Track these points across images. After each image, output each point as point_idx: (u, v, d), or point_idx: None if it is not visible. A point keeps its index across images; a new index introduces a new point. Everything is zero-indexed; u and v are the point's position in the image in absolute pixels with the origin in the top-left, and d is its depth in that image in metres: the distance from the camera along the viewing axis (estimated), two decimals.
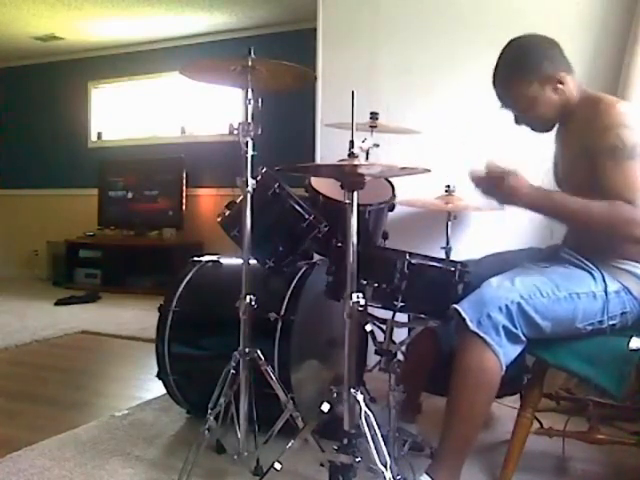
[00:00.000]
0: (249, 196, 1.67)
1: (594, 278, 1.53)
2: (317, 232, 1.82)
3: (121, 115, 6.12)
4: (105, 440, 1.97)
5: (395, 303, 1.52)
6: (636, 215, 1.42)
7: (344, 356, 1.43)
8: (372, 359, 2.06)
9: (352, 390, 1.41)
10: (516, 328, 1.47)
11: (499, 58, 1.67)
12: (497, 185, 1.52)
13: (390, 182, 2.26)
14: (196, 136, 5.64)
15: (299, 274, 1.94)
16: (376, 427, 1.39)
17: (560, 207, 1.50)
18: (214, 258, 2.18)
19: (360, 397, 1.41)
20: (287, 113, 4.44)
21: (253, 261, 1.77)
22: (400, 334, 1.69)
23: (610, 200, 1.44)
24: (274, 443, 1.66)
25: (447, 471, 1.51)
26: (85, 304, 4.67)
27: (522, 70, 1.62)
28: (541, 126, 1.71)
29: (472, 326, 1.45)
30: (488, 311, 1.45)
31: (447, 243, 2.45)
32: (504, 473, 1.63)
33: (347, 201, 1.42)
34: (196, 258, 2.19)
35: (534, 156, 2.12)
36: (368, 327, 1.60)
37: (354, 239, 1.41)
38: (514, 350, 1.49)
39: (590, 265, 1.55)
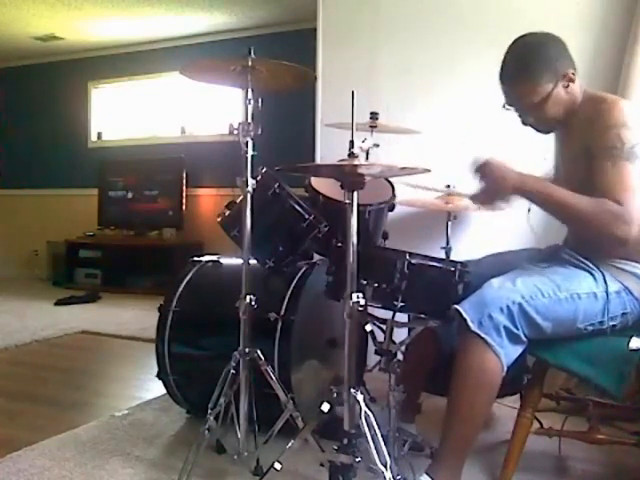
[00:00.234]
0: (249, 196, 1.67)
1: (595, 278, 1.53)
2: (317, 232, 1.82)
3: (121, 115, 6.12)
4: (105, 440, 1.97)
5: (395, 303, 1.52)
6: (621, 214, 1.41)
7: (344, 356, 1.43)
8: (372, 359, 2.06)
9: (352, 390, 1.41)
10: (517, 329, 1.47)
11: (508, 55, 1.64)
12: (484, 175, 1.54)
13: (390, 182, 2.26)
14: (196, 136, 5.64)
15: (299, 274, 1.94)
16: (376, 427, 1.38)
17: (548, 194, 1.50)
18: (214, 258, 2.18)
19: (360, 397, 1.41)
20: (287, 113, 4.44)
21: (253, 261, 1.77)
22: (400, 334, 1.69)
23: (598, 197, 1.43)
24: (274, 443, 1.65)
25: (447, 471, 1.51)
26: (85, 304, 4.67)
27: (535, 68, 1.59)
28: (546, 126, 1.70)
29: (473, 327, 1.45)
30: (489, 312, 1.46)
31: (447, 243, 2.45)
32: (504, 473, 1.63)
33: (347, 201, 1.42)
34: (196, 258, 2.19)
35: (534, 156, 2.12)
36: (368, 327, 1.59)
37: (354, 239, 1.41)
38: (515, 351, 1.49)
39: (591, 265, 1.55)
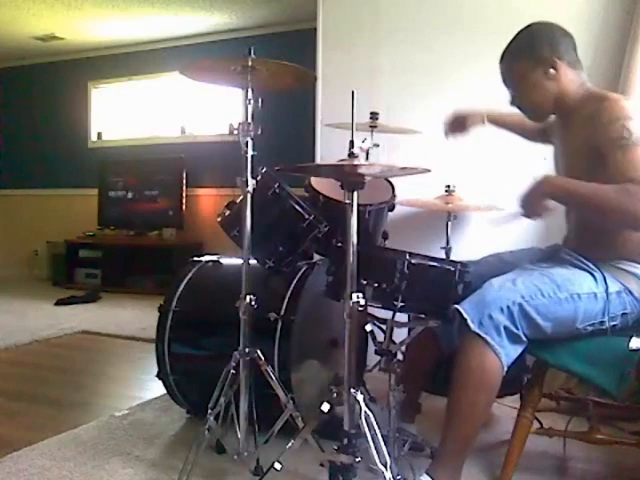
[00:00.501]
0: (249, 196, 1.67)
1: (595, 279, 1.53)
2: (317, 232, 1.82)
3: (121, 115, 6.12)
4: (105, 440, 1.97)
5: (395, 303, 1.52)
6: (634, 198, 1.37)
7: (344, 356, 1.43)
8: (372, 359, 2.05)
9: (352, 390, 1.41)
10: (517, 329, 1.47)
11: (512, 38, 1.70)
12: (527, 202, 1.51)
13: (390, 182, 2.26)
14: (196, 136, 5.64)
15: (299, 274, 1.94)
16: (376, 427, 1.38)
17: (573, 191, 1.47)
18: (214, 258, 2.18)
19: (360, 397, 1.41)
20: (287, 113, 4.45)
21: (253, 261, 1.77)
22: (400, 334, 1.69)
23: (619, 184, 1.41)
24: (274, 443, 1.65)
25: (447, 471, 1.52)
26: (85, 304, 4.67)
27: (521, 48, 1.66)
28: (532, 113, 1.72)
29: (473, 327, 1.45)
30: (489, 312, 1.46)
31: (447, 243, 2.45)
32: (504, 473, 1.63)
33: (347, 201, 1.42)
34: (196, 258, 2.19)
35: (534, 155, 2.12)
36: (368, 327, 1.60)
37: (354, 239, 1.41)
38: (515, 350, 1.49)
39: (591, 266, 1.55)
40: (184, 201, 5.44)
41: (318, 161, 2.93)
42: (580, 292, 1.51)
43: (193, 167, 5.44)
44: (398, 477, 1.48)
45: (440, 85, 2.77)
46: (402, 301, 1.52)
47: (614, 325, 1.53)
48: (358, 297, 1.40)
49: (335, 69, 2.96)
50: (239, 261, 1.72)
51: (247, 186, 1.66)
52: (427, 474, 1.51)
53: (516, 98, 1.71)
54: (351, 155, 1.37)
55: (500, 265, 1.71)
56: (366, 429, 1.37)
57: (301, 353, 1.89)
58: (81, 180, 6.03)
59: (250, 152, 1.67)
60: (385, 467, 1.36)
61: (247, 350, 1.66)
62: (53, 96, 6.23)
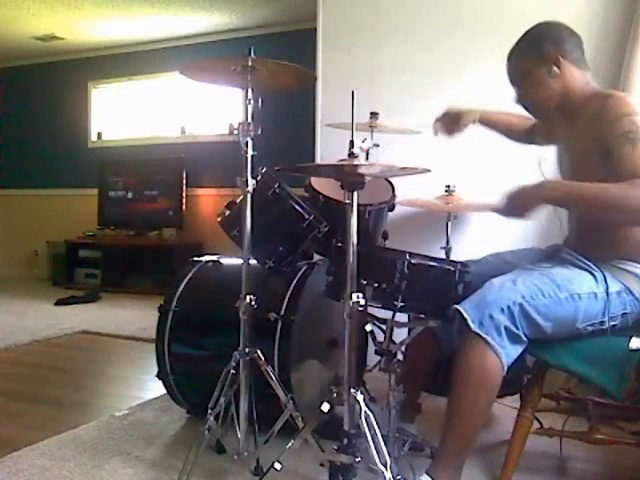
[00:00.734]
0: (249, 196, 1.67)
1: (595, 279, 1.53)
2: (317, 232, 1.82)
3: (121, 115, 6.12)
4: (105, 440, 1.97)
5: (395, 303, 1.52)
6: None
7: (344, 356, 1.43)
8: (372, 359, 2.05)
9: (352, 390, 1.41)
10: (518, 329, 1.47)
11: (520, 36, 1.71)
12: (519, 203, 1.50)
13: (390, 182, 2.26)
14: (196, 136, 5.64)
15: (299, 274, 1.94)
16: (376, 427, 1.38)
17: (578, 194, 1.45)
18: (214, 258, 2.18)
19: (360, 397, 1.41)
20: (287, 113, 4.45)
21: (253, 261, 1.77)
22: (400, 334, 1.69)
23: (628, 180, 1.40)
24: (274, 443, 1.65)
25: (448, 471, 1.52)
26: (85, 304, 4.67)
27: (527, 47, 1.67)
28: (536, 111, 1.73)
29: (474, 327, 1.45)
30: (490, 312, 1.46)
31: (447, 243, 2.45)
32: (504, 473, 1.63)
33: (347, 201, 1.42)
34: (196, 258, 2.19)
35: (531, 157, 2.11)
36: (368, 327, 1.60)
37: (354, 239, 1.41)
38: (515, 351, 1.49)
39: (592, 265, 1.55)
40: (184, 201, 5.44)
41: (318, 161, 2.93)
42: (580, 292, 1.50)
43: (193, 167, 5.44)
44: (398, 477, 1.48)
45: (440, 85, 2.77)
46: (402, 301, 1.52)
47: (614, 325, 1.52)
48: (358, 297, 1.40)
49: (335, 69, 2.96)
50: (239, 261, 1.72)
51: (247, 186, 1.66)
52: (427, 474, 1.51)
53: (521, 96, 1.72)
54: (351, 155, 1.37)
55: (501, 265, 1.71)
56: (366, 429, 1.37)
57: (301, 353, 1.89)
58: (81, 180, 6.03)
59: (250, 152, 1.67)
60: (385, 467, 1.36)
61: (247, 350, 1.66)
62: (53, 96, 6.23)
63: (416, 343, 1.84)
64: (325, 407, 1.44)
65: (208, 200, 5.49)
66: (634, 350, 1.44)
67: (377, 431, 1.38)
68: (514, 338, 1.47)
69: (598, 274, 1.53)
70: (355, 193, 1.41)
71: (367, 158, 2.19)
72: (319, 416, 1.45)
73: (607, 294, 1.51)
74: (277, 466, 1.47)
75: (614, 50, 2.44)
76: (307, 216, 1.80)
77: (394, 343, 1.63)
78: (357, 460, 1.40)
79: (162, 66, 5.64)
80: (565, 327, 1.51)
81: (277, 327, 1.83)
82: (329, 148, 2.93)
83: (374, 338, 1.64)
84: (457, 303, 1.50)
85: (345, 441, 1.41)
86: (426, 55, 2.79)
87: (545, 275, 1.54)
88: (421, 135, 2.52)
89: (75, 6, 4.79)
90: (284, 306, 1.86)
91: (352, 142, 1.38)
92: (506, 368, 1.47)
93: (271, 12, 4.91)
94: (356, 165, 1.36)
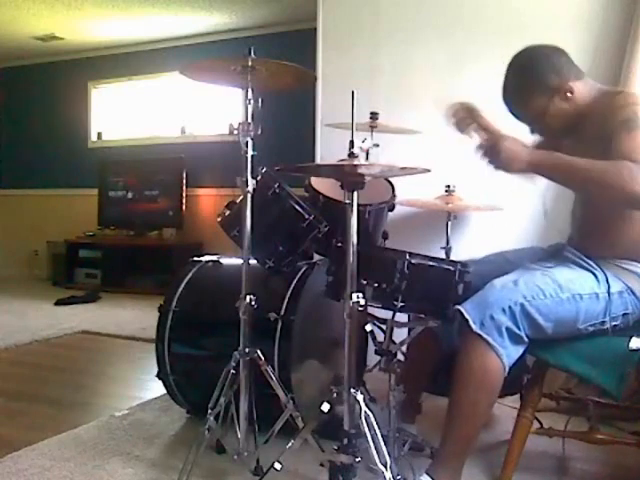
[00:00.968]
0: (249, 196, 1.67)
1: (597, 279, 1.52)
2: (317, 232, 1.82)
3: (121, 115, 6.12)
4: (105, 440, 1.97)
5: (395, 303, 1.52)
6: (638, 173, 1.35)
7: (344, 356, 1.43)
8: (372, 359, 2.06)
9: (352, 390, 1.41)
10: (519, 329, 1.47)
11: (507, 72, 1.67)
12: (495, 150, 1.50)
13: (390, 182, 2.26)
14: (196, 136, 5.64)
15: (299, 274, 1.94)
16: (376, 427, 1.38)
17: (562, 164, 1.45)
18: (214, 258, 2.18)
19: (360, 397, 1.41)
20: (287, 113, 4.45)
21: (253, 261, 1.77)
22: (400, 334, 1.69)
23: (615, 160, 1.40)
24: (274, 443, 1.65)
25: (448, 471, 1.52)
26: (85, 304, 4.67)
27: (529, 85, 1.63)
28: (554, 134, 1.70)
29: (475, 327, 1.45)
30: (491, 312, 1.46)
31: (447, 243, 2.45)
32: (504, 473, 1.63)
33: (347, 201, 1.42)
34: (196, 258, 2.19)
35: None
36: (368, 327, 1.60)
37: (354, 239, 1.41)
38: (516, 351, 1.49)
39: (593, 265, 1.55)
40: (184, 201, 5.44)
41: (318, 161, 2.93)
42: (582, 292, 1.50)
43: (193, 167, 5.44)
44: (398, 477, 1.48)
45: (440, 85, 2.76)
46: (402, 301, 1.52)
47: (615, 325, 1.52)
48: (358, 297, 1.40)
49: (335, 69, 2.95)
50: (239, 261, 1.72)
51: (247, 186, 1.66)
52: (427, 474, 1.51)
53: (537, 129, 1.70)
54: (351, 155, 1.37)
55: (501, 264, 1.71)
56: (366, 429, 1.37)
57: (301, 353, 1.89)
58: (81, 180, 6.03)
59: (250, 152, 1.67)
60: (385, 467, 1.36)
61: (247, 350, 1.66)
62: (53, 96, 6.22)
63: (416, 343, 1.84)
64: (325, 407, 1.44)
65: (208, 200, 5.49)
66: (634, 350, 1.43)
67: (377, 431, 1.38)
68: (515, 339, 1.47)
69: (600, 274, 1.53)
70: (355, 193, 1.41)
71: (367, 158, 2.19)
72: (319, 416, 1.45)
73: (609, 294, 1.51)
74: (277, 466, 1.47)
75: (614, 50, 2.44)
76: (307, 216, 1.80)
77: (394, 343, 1.63)
78: (357, 460, 1.40)
79: (162, 66, 5.64)
80: (566, 327, 1.51)
81: (277, 327, 1.83)
82: (329, 148, 2.93)
83: (374, 338, 1.64)
84: (457, 303, 1.50)
85: (345, 441, 1.41)
86: (426, 55, 2.79)
87: (546, 275, 1.54)
88: (421, 135, 2.53)
89: (75, 6, 4.79)
90: (284, 306, 1.86)
91: (352, 142, 1.38)
92: (507, 369, 1.47)
93: (271, 12, 4.91)
94: (356, 165, 1.36)
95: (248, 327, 1.67)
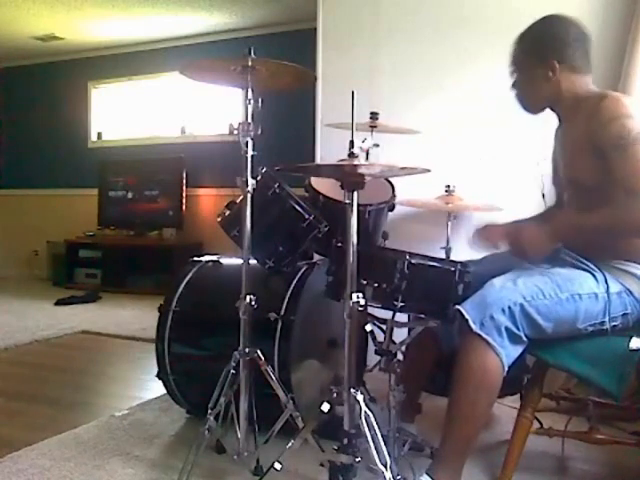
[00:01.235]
0: (249, 196, 1.67)
1: (596, 279, 1.53)
2: (317, 232, 1.82)
3: (121, 115, 6.12)
4: (105, 440, 1.97)
5: (395, 303, 1.52)
6: (635, 209, 1.42)
7: (344, 356, 1.43)
8: (372, 359, 2.06)
9: (352, 390, 1.41)
10: (518, 329, 1.47)
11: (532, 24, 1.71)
12: (519, 247, 1.56)
13: (390, 182, 2.26)
14: (196, 136, 5.64)
15: (299, 274, 1.94)
16: (376, 427, 1.38)
17: (574, 233, 1.56)
18: (214, 258, 2.18)
19: (360, 397, 1.41)
20: (287, 113, 4.45)
21: (253, 261, 1.77)
22: (400, 334, 1.69)
23: (616, 200, 1.44)
24: (274, 443, 1.66)
25: (448, 471, 1.51)
26: (85, 304, 4.67)
27: (532, 43, 1.67)
28: (522, 103, 1.73)
29: (475, 327, 1.45)
30: (491, 312, 1.46)
31: (447, 243, 2.45)
32: (504, 473, 1.63)
33: (347, 201, 1.42)
34: (196, 258, 2.19)
35: (528, 160, 2.12)
36: (368, 327, 1.59)
37: (354, 239, 1.41)
38: (516, 351, 1.49)
39: (592, 266, 1.55)
40: (184, 201, 5.44)
41: (318, 161, 2.93)
42: (581, 292, 1.50)
43: (193, 167, 5.44)
44: (398, 477, 1.48)
45: (440, 85, 2.77)
46: (402, 301, 1.52)
47: (614, 325, 1.52)
48: (358, 297, 1.40)
49: (335, 69, 2.95)
50: (239, 261, 1.72)
51: (247, 186, 1.66)
52: (427, 474, 1.51)
53: (514, 84, 1.73)
54: (351, 155, 1.37)
55: (501, 265, 1.71)
56: (366, 429, 1.37)
57: (301, 353, 1.89)
58: (81, 180, 6.03)
59: (250, 152, 1.67)
60: (385, 467, 1.36)
61: (247, 350, 1.66)
62: (53, 96, 6.22)
63: (416, 343, 1.84)
64: (325, 407, 1.44)
65: (208, 200, 5.49)
66: (634, 350, 1.44)
67: (377, 431, 1.38)
68: (515, 338, 1.47)
69: (598, 274, 1.53)
70: (355, 193, 1.41)
71: (367, 158, 2.19)
72: (319, 416, 1.45)
73: (607, 294, 1.51)
74: (277, 466, 1.47)
75: (614, 50, 2.44)
76: (307, 216, 1.80)
77: (394, 343, 1.63)
78: (357, 460, 1.40)
79: (162, 66, 5.64)
80: (566, 327, 1.51)
81: (277, 327, 1.83)
82: (329, 148, 2.93)
83: (374, 338, 1.64)
84: (457, 303, 1.50)
85: (345, 441, 1.41)
86: (426, 55, 2.79)
87: (545, 275, 1.54)
88: (421, 135, 2.53)
89: (75, 6, 4.79)
90: (284, 306, 1.86)
91: (352, 142, 1.38)
92: (506, 368, 1.47)
93: (271, 12, 4.91)
94: (356, 165, 1.36)
95: (248, 327, 1.67)
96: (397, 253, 1.54)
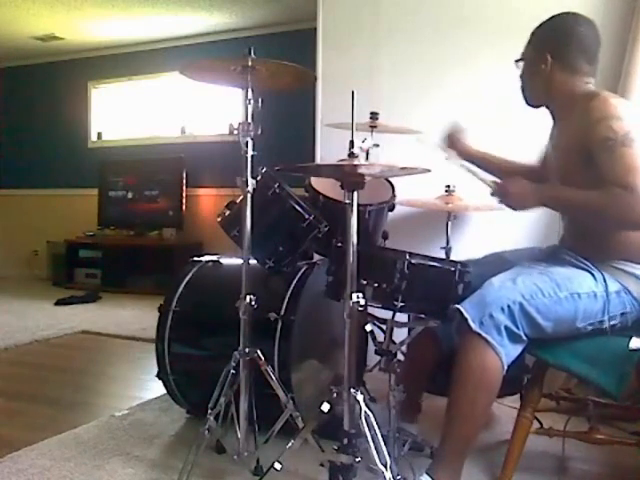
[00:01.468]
0: (249, 196, 1.67)
1: (595, 278, 1.53)
2: (317, 232, 1.82)
3: (121, 115, 6.12)
4: (105, 440, 1.97)
5: (395, 303, 1.52)
6: (629, 200, 1.40)
7: (344, 356, 1.43)
8: (372, 359, 2.06)
9: (352, 390, 1.41)
10: (518, 328, 1.47)
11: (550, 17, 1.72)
12: (505, 193, 1.58)
13: (390, 182, 2.26)
14: (196, 136, 5.64)
15: (299, 274, 1.94)
16: (376, 427, 1.39)
17: (562, 200, 1.55)
18: (214, 258, 2.18)
19: (360, 397, 1.41)
20: (287, 113, 4.45)
21: (253, 261, 1.77)
22: (400, 334, 1.69)
23: (606, 188, 1.43)
24: (274, 443, 1.66)
25: (448, 471, 1.52)
26: (85, 304, 4.67)
27: (541, 31, 1.70)
28: (523, 94, 1.76)
29: (474, 326, 1.45)
30: (490, 311, 1.46)
31: (447, 243, 2.45)
32: (504, 473, 1.63)
33: (347, 201, 1.42)
34: (196, 258, 2.19)
35: (533, 156, 2.11)
36: (368, 327, 1.60)
37: (354, 239, 1.41)
38: (515, 350, 1.49)
39: (590, 265, 1.55)
40: (184, 201, 5.44)
41: (318, 161, 2.93)
42: (580, 291, 1.51)
43: (193, 167, 5.44)
44: (398, 477, 1.48)
45: (440, 85, 2.76)
46: (402, 301, 1.52)
47: (614, 325, 1.53)
48: (358, 297, 1.40)
49: (335, 69, 2.95)
50: (239, 261, 1.72)
51: (247, 186, 1.66)
52: (427, 474, 1.51)
53: (521, 73, 1.75)
54: (351, 155, 1.37)
55: (501, 265, 1.71)
56: (366, 429, 1.37)
57: (301, 353, 1.89)
58: (81, 180, 6.03)
59: (250, 152, 1.67)
60: (385, 467, 1.36)
61: (247, 350, 1.66)
62: (53, 96, 6.23)
63: (416, 343, 1.84)
64: (325, 407, 1.44)
65: (208, 200, 5.49)
66: (634, 350, 1.44)
67: (377, 431, 1.38)
68: (514, 337, 1.48)
69: (597, 274, 1.53)
70: (355, 193, 1.41)
71: (367, 158, 2.19)
72: (319, 416, 1.45)
73: (606, 293, 1.51)
74: (277, 466, 1.47)
75: (614, 50, 2.44)
76: (307, 216, 1.80)
77: (394, 343, 1.63)
78: (357, 460, 1.40)
79: (162, 66, 5.64)
80: (565, 326, 1.51)
81: (277, 327, 1.83)
82: (329, 148, 2.93)
83: (374, 338, 1.64)
84: (457, 303, 1.50)
85: (345, 441, 1.41)
86: (426, 55, 2.79)
87: (545, 274, 1.54)
88: (421, 135, 2.52)
89: (75, 6, 4.79)
90: (284, 306, 1.86)
91: (352, 142, 1.38)
92: (506, 367, 1.48)
93: (271, 12, 4.91)
94: (356, 165, 1.36)
95: (248, 327, 1.67)
96: (397, 253, 1.54)
